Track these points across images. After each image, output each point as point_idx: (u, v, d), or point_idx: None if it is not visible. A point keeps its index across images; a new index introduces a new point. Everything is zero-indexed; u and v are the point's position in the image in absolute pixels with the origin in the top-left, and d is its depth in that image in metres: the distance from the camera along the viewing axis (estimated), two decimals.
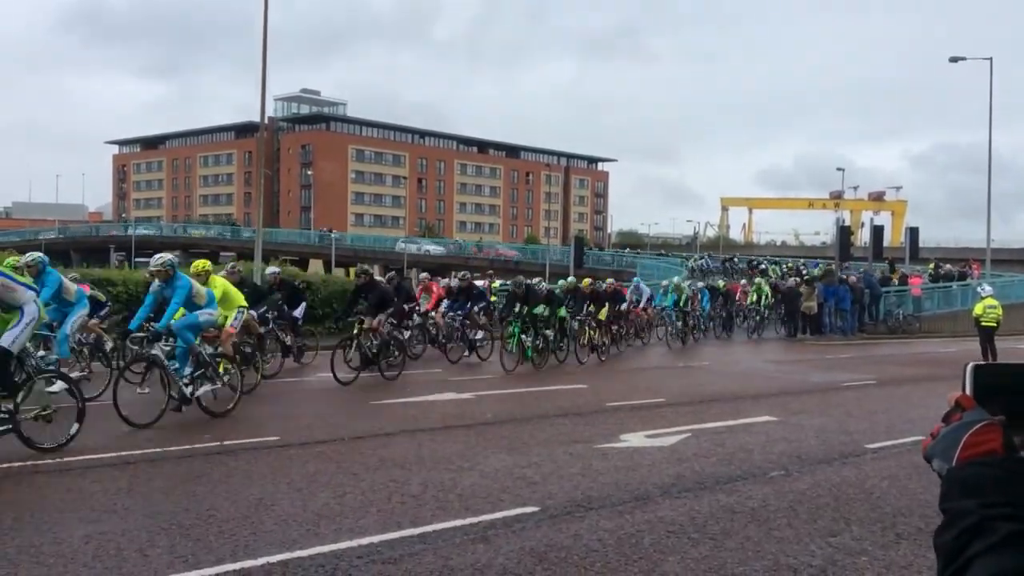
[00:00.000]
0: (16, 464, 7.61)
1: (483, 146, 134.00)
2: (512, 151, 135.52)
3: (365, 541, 5.52)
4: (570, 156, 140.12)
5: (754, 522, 6.11)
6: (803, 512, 6.47)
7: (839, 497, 6.99)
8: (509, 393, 13.45)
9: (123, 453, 8.19)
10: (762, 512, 6.43)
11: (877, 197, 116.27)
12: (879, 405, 12.80)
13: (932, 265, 43.18)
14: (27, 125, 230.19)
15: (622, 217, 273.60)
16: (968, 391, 1.23)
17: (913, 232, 38.88)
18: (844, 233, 34.01)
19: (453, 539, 5.62)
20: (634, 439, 9.34)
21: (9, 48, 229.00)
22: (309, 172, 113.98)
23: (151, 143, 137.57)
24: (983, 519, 1.10)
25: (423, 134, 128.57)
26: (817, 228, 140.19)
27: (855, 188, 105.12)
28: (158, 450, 8.38)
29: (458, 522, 6.00)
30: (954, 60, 37.90)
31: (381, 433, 9.59)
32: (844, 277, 30.59)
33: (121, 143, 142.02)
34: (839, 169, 71.03)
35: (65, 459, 7.83)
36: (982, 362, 1.24)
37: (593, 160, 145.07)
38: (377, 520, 6.05)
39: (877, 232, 35.65)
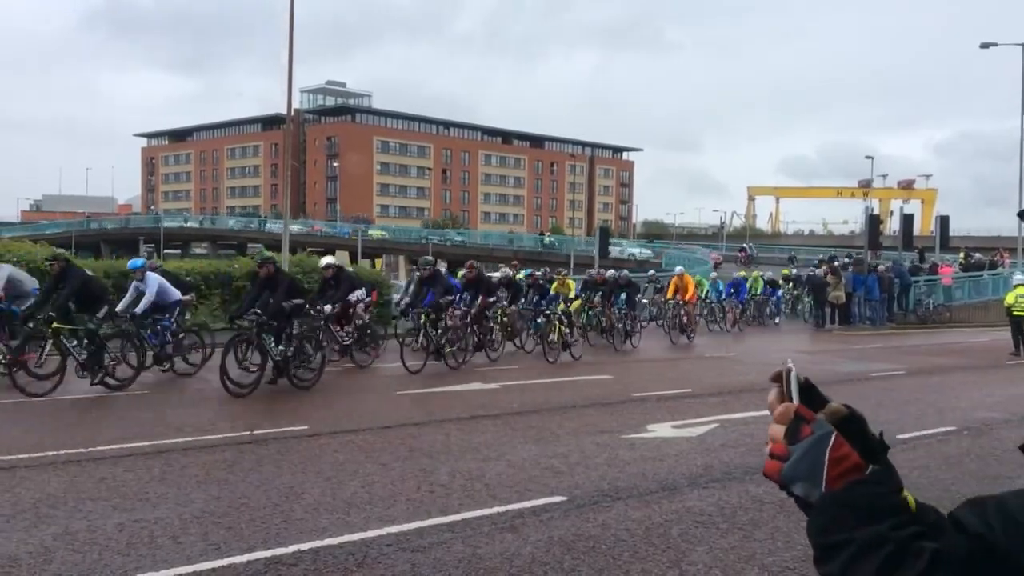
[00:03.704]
0: (50, 453, 7.73)
1: (507, 136, 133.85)
2: (536, 141, 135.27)
3: (394, 529, 5.57)
4: (595, 146, 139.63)
5: (783, 512, 6.09)
6: None
7: None
8: (535, 383, 13.46)
9: (156, 442, 8.29)
10: (791, 503, 6.37)
11: (907, 185, 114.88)
12: (909, 395, 12.68)
13: (963, 254, 42.62)
14: (57, 119, 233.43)
15: (646, 207, 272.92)
16: (796, 398, 1.12)
17: (943, 221, 38.38)
18: (873, 222, 33.58)
19: (481, 528, 5.65)
20: (661, 429, 9.33)
21: (40, 44, 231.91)
22: (335, 164, 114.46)
23: (179, 136, 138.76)
24: (900, 544, 1.01)
25: (447, 125, 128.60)
26: (845, 217, 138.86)
27: (884, 176, 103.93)
28: (190, 439, 8.48)
29: (486, 511, 6.04)
30: (985, 46, 37.33)
31: (409, 423, 9.65)
32: (873, 266, 30.29)
33: (150, 136, 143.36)
34: (868, 157, 70.21)
35: (99, 448, 7.95)
36: (790, 364, 1.13)
37: (618, 150, 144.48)
38: (406, 509, 6.09)
39: (907, 221, 35.16)
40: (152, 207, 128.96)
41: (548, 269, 25.03)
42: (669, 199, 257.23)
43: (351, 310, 15.37)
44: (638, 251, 70.37)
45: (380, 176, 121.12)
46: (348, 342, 15.11)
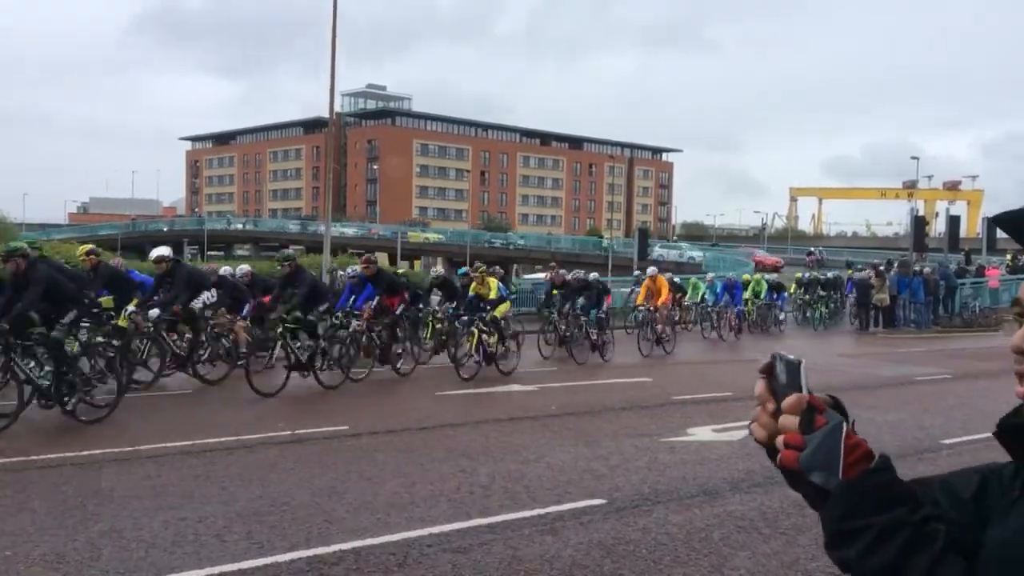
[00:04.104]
0: (97, 452, 7.88)
1: (546, 138, 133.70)
2: (575, 143, 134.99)
3: (435, 530, 5.60)
4: (634, 147, 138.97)
5: None
6: None
7: None
8: (574, 386, 13.44)
9: (199, 441, 8.41)
10: None
11: (952, 186, 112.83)
12: (955, 400, 12.47)
13: (1010, 256, 41.76)
14: (105, 122, 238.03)
15: (686, 208, 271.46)
16: (805, 389, 1.16)
17: (990, 222, 37.65)
18: (919, 223, 33.05)
19: (521, 530, 5.66)
20: (701, 433, 9.27)
21: (88, 49, 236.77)
22: (375, 166, 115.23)
23: (223, 139, 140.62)
24: (916, 527, 1.07)
25: (486, 127, 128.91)
26: (889, 218, 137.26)
27: (929, 177, 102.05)
28: (233, 439, 8.59)
29: (526, 513, 6.04)
30: None
31: (448, 424, 9.69)
32: (918, 269, 29.80)
33: (194, 139, 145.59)
34: (913, 158, 68.99)
35: (144, 447, 8.08)
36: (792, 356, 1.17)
37: (657, 151, 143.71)
38: (446, 510, 6.12)
39: (953, 222, 34.56)
40: (196, 209, 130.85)
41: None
42: (709, 200, 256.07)
43: (199, 314, 12.84)
44: (699, 254, 67.86)
45: (419, 179, 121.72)
46: (202, 354, 12.82)
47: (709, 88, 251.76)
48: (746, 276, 27.86)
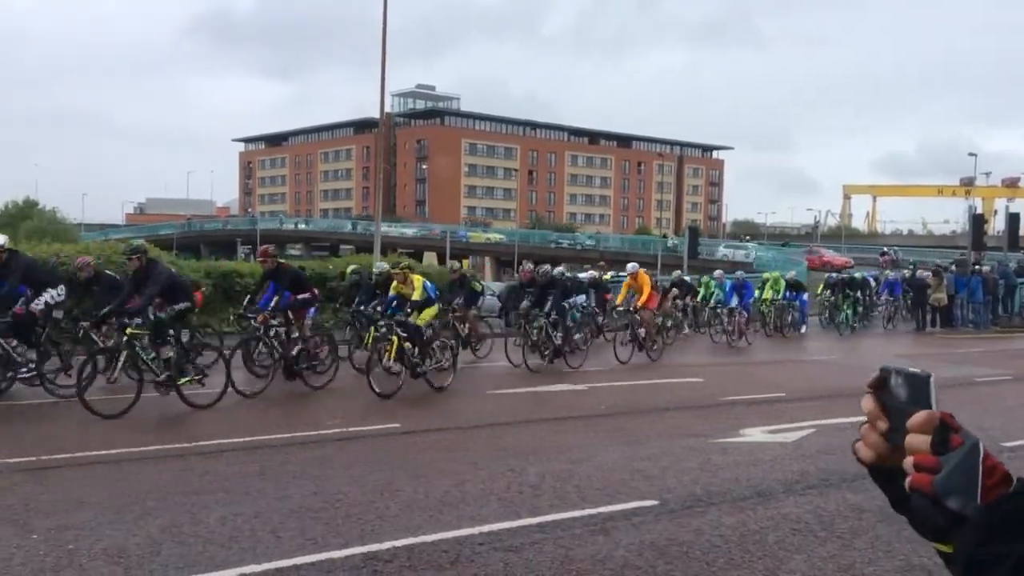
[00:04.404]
0: (154, 448, 8.05)
1: (594, 136, 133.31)
2: (624, 141, 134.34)
3: (486, 529, 5.61)
4: (683, 144, 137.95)
5: (884, 521, 5.91)
6: None
7: None
8: (623, 385, 13.38)
9: (255, 438, 8.55)
10: (892, 511, 6.19)
11: (1011, 183, 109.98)
12: (1015, 401, 12.17)
13: None
14: (160, 124, 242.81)
15: (737, 206, 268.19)
16: (935, 406, 1.07)
17: None
18: (977, 221, 32.27)
19: (572, 530, 5.65)
20: (754, 434, 9.16)
21: (142, 53, 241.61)
22: (424, 166, 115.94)
23: (275, 140, 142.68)
24: None
25: (534, 126, 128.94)
26: (946, 216, 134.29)
27: (987, 174, 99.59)
28: (287, 435, 8.71)
29: (576, 513, 6.03)
30: None
31: (497, 423, 9.71)
32: (977, 268, 29.09)
33: (247, 140, 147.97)
34: (971, 154, 67.51)
35: (201, 443, 8.23)
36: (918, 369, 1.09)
37: (707, 148, 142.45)
38: (497, 509, 6.13)
39: (1013, 220, 33.65)
40: (249, 209, 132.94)
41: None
42: (760, 198, 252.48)
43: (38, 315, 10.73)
44: (766, 254, 66.06)
45: (467, 178, 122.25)
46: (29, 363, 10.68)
47: (760, 85, 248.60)
48: (765, 274, 26.59)
